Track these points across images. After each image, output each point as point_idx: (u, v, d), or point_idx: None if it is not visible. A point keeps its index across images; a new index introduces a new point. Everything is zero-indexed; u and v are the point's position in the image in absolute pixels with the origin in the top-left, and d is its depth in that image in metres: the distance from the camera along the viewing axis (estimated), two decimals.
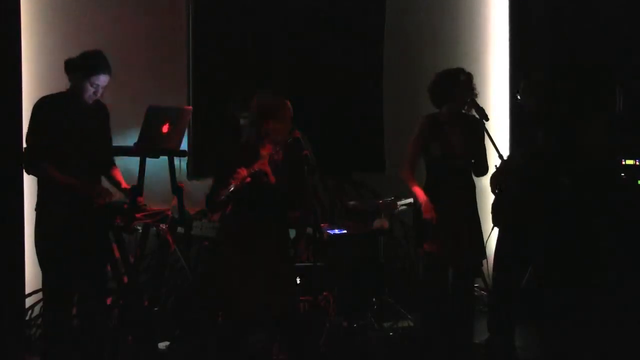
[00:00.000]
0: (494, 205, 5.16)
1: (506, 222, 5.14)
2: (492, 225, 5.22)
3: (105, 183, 4.80)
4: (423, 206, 4.95)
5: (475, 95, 5.01)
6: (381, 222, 5.96)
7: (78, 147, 4.52)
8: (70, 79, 4.55)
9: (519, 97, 5.27)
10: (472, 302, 5.31)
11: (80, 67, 4.50)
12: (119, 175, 4.82)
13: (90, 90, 4.50)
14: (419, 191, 5.00)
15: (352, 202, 6.33)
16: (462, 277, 5.10)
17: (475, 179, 5.21)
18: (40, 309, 5.26)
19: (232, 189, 4.11)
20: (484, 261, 5.27)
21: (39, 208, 4.57)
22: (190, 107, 5.72)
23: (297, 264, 4.87)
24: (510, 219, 5.11)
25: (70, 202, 4.48)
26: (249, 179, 4.12)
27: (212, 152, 5.96)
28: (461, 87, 4.97)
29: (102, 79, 4.51)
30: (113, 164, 4.85)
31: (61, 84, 4.80)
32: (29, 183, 5.16)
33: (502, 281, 5.21)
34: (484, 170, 5.20)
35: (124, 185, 4.76)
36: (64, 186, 4.46)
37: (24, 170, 4.61)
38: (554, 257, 5.30)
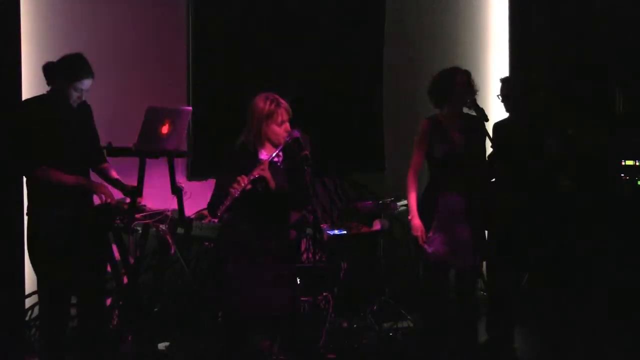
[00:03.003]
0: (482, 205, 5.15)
1: (501, 222, 5.14)
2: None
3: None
4: (412, 226, 4.98)
5: (475, 92, 5.01)
6: (381, 223, 5.96)
7: (67, 148, 4.51)
8: (50, 83, 4.54)
9: (499, 97, 5.27)
10: (474, 303, 5.30)
11: (63, 73, 4.49)
12: (114, 173, 4.81)
13: (75, 95, 4.51)
14: (413, 207, 5.01)
15: (351, 203, 6.33)
16: (464, 278, 5.09)
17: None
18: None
19: (232, 197, 4.10)
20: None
21: (30, 212, 4.56)
22: (190, 108, 5.73)
23: (297, 264, 4.87)
24: (505, 220, 5.10)
25: (63, 203, 4.47)
26: (249, 186, 4.12)
27: (212, 154, 5.98)
28: (460, 86, 4.97)
29: (86, 84, 4.51)
30: (105, 161, 4.84)
31: None
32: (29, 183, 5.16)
33: (499, 282, 5.21)
34: (485, 170, 5.19)
35: (123, 183, 4.75)
36: (65, 186, 4.46)
37: (25, 176, 4.58)
38: (553, 257, 5.30)
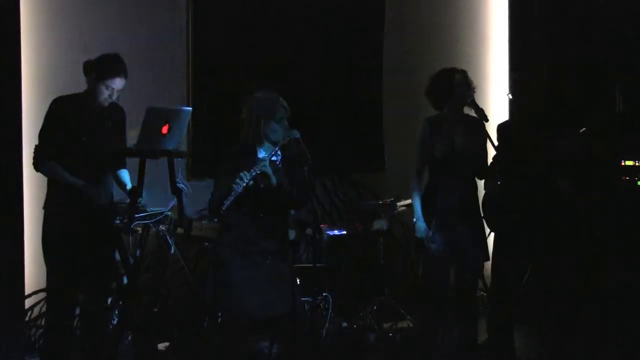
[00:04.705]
0: (484, 206, 5.14)
1: (500, 223, 5.13)
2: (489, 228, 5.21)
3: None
4: (417, 228, 4.98)
5: (474, 91, 5.01)
6: (381, 223, 5.96)
7: (89, 148, 4.56)
8: (87, 80, 4.60)
9: (510, 95, 5.27)
10: (474, 303, 5.30)
11: (96, 69, 4.54)
12: (126, 176, 4.84)
13: (105, 93, 4.56)
14: (417, 209, 5.00)
15: (351, 203, 6.33)
16: (464, 278, 5.09)
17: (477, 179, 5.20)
18: (40, 309, 5.27)
19: (236, 192, 4.09)
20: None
21: (47, 207, 4.61)
22: (190, 108, 5.73)
23: (297, 265, 4.87)
24: (506, 220, 5.10)
25: (77, 202, 4.51)
26: (251, 182, 4.12)
27: (212, 154, 5.97)
28: (457, 86, 4.97)
29: (117, 83, 4.56)
30: (124, 166, 4.87)
31: (61, 84, 4.82)
32: (29, 183, 5.17)
33: (500, 282, 5.20)
34: (486, 171, 5.19)
35: (130, 186, 4.78)
36: (67, 186, 4.50)
37: (33, 168, 4.64)
38: (553, 258, 5.29)
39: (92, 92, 4.59)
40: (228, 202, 4.10)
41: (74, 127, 4.54)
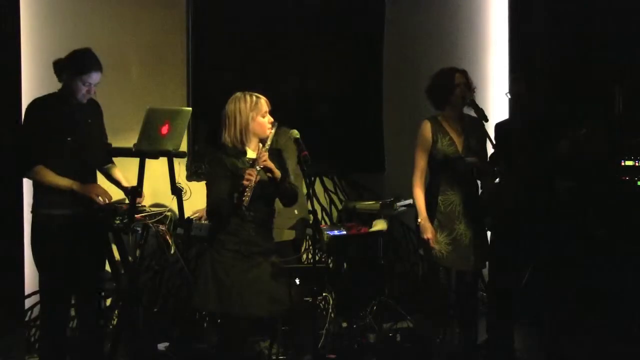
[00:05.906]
0: (483, 206, 5.13)
1: (499, 223, 5.13)
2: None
3: (106, 182, 4.81)
4: (422, 227, 4.96)
5: (474, 91, 5.01)
6: (381, 223, 5.96)
7: (73, 147, 4.52)
8: (61, 79, 4.54)
9: (509, 95, 5.26)
10: (475, 304, 5.30)
11: (71, 66, 4.49)
12: (118, 173, 4.83)
13: (83, 89, 4.50)
14: (422, 209, 4.99)
15: (352, 203, 6.33)
16: (465, 278, 5.08)
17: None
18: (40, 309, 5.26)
19: (251, 187, 4.08)
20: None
21: (34, 210, 4.56)
22: (190, 108, 5.73)
23: (297, 265, 4.86)
24: (504, 220, 5.10)
25: (65, 203, 4.48)
26: (257, 177, 4.11)
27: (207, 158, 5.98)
28: (458, 85, 4.97)
29: (94, 77, 4.51)
30: (110, 162, 4.85)
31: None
32: (28, 183, 5.17)
33: (499, 282, 5.20)
34: (485, 170, 5.18)
35: (124, 184, 4.77)
36: (62, 189, 4.46)
37: (18, 174, 4.61)
38: (552, 258, 5.29)
39: (69, 90, 4.52)
40: (247, 199, 4.07)
41: (56, 128, 4.48)
